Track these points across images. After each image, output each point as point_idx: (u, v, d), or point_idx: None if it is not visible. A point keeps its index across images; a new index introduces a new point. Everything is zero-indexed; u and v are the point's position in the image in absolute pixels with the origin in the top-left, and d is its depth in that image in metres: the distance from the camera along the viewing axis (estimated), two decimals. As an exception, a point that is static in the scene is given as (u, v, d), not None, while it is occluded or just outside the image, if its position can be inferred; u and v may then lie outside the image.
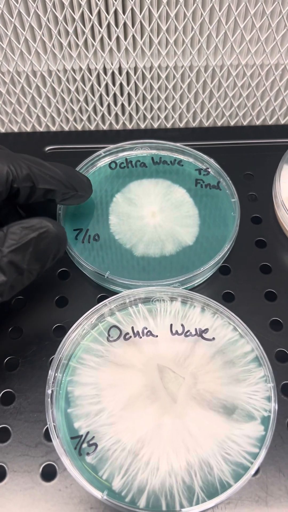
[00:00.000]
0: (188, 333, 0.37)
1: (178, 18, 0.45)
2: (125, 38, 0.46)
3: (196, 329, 0.37)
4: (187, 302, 0.39)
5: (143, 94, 0.51)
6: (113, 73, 0.49)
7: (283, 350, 0.38)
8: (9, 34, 0.45)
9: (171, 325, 0.38)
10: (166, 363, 0.36)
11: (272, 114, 0.54)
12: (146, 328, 0.38)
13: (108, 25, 0.45)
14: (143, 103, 0.52)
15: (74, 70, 0.48)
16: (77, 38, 0.46)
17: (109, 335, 0.37)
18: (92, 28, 0.45)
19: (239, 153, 0.51)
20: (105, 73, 0.49)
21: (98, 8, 0.43)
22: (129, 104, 0.52)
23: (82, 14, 0.44)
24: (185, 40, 0.46)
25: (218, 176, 0.46)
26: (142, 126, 0.54)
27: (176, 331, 0.37)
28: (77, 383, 0.35)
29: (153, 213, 0.44)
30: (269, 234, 0.44)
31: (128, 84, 0.50)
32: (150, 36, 0.46)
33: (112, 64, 0.48)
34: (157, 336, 0.37)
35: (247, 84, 0.51)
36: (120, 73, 0.49)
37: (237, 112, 0.53)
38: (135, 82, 0.50)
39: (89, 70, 0.49)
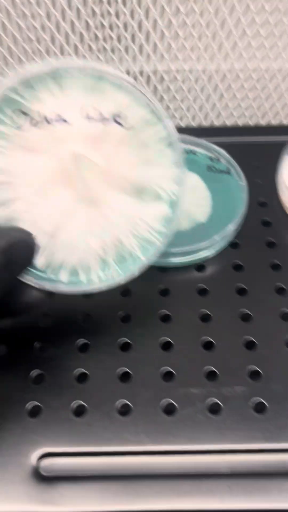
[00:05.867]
0: (101, 116, 0.33)
1: (195, 26, 0.51)
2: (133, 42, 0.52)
3: (109, 111, 0.33)
4: (101, 79, 0.33)
5: (161, 96, 0.57)
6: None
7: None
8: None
9: (82, 106, 0.33)
10: (78, 147, 0.34)
11: (276, 115, 0.60)
12: (55, 111, 0.33)
13: (111, 28, 0.51)
14: (161, 103, 0.58)
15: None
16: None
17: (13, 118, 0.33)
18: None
19: (246, 148, 0.57)
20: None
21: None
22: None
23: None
24: (200, 46, 0.53)
25: (227, 164, 0.51)
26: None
27: (88, 114, 0.33)
28: None
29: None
30: (273, 216, 0.50)
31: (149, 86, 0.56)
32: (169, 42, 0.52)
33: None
34: (67, 121, 0.33)
35: (253, 87, 0.57)
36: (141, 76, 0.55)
37: (244, 113, 0.59)
38: (154, 86, 0.56)
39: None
